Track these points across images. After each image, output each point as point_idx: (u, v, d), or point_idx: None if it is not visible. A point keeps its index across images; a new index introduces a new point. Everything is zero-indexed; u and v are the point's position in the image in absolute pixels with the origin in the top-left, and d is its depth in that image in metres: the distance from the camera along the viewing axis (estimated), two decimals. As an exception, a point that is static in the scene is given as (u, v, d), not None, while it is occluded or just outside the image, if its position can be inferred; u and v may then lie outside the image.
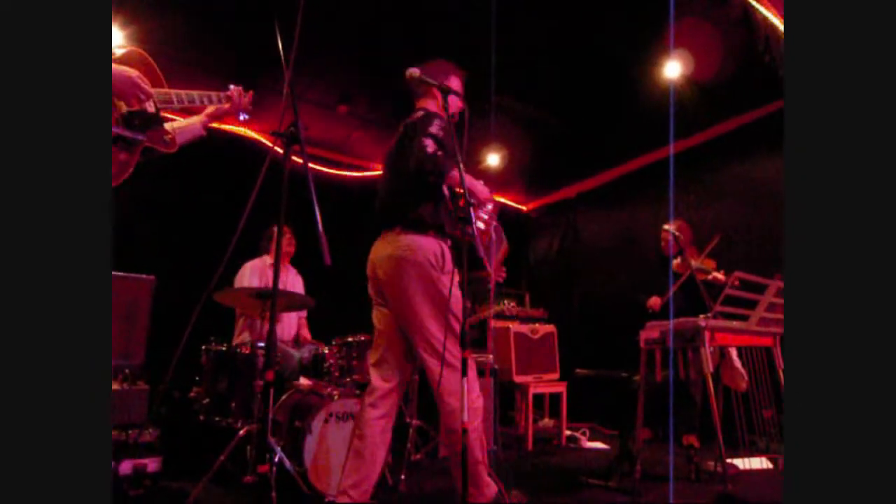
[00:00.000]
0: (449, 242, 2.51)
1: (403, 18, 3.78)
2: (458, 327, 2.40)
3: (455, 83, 2.70)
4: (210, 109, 2.19)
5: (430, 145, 2.33)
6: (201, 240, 3.26)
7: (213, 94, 2.13)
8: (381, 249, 2.48)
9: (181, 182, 4.37)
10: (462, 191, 2.51)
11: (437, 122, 2.44)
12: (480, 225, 2.57)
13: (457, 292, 2.43)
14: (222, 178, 4.21)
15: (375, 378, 2.49)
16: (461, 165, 2.18)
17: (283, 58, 1.61)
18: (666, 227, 4.59)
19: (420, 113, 2.58)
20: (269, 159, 1.64)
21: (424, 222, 2.41)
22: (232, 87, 2.19)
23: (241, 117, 2.26)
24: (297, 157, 1.62)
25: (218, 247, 2.05)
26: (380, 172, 3.39)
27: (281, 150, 1.61)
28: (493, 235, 2.71)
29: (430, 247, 2.40)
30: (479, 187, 2.54)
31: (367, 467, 2.38)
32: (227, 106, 2.17)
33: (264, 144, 4.93)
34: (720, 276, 4.22)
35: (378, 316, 2.57)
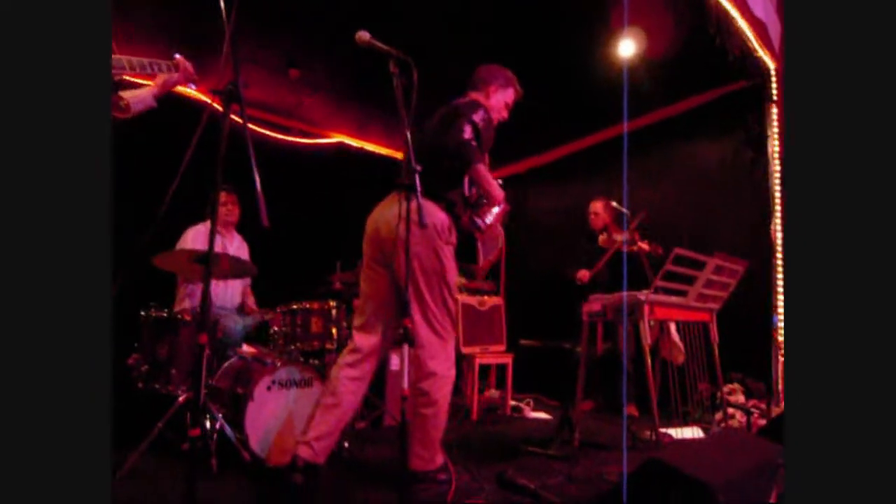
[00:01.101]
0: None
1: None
2: (451, 302, 2.50)
3: (509, 95, 2.82)
4: (160, 80, 2.22)
5: (467, 131, 2.43)
6: (140, 203, 3.14)
7: (163, 63, 2.16)
8: (389, 209, 2.49)
9: (121, 143, 4.18)
10: (476, 186, 2.61)
11: (481, 112, 2.54)
12: (488, 219, 2.64)
13: (455, 266, 2.52)
14: (163, 139, 4.05)
15: (359, 340, 2.52)
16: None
17: (223, 12, 1.55)
18: (613, 204, 4.70)
19: (468, 99, 2.66)
20: (207, 118, 1.58)
21: (439, 194, 2.47)
22: (177, 56, 2.22)
23: (191, 87, 2.32)
24: (238, 116, 1.57)
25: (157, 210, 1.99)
26: (331, 140, 3.36)
27: (220, 108, 1.56)
28: (495, 235, 2.77)
29: (440, 216, 2.46)
30: (496, 187, 2.60)
31: (332, 424, 2.42)
32: (176, 75, 2.21)
33: (206, 104, 4.75)
34: (644, 245, 4.36)
35: (367, 279, 2.59)
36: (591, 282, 4.60)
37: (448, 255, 2.49)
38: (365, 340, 2.51)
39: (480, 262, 2.80)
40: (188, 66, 2.22)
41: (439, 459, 2.47)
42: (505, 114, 2.83)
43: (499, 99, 2.78)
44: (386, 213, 2.50)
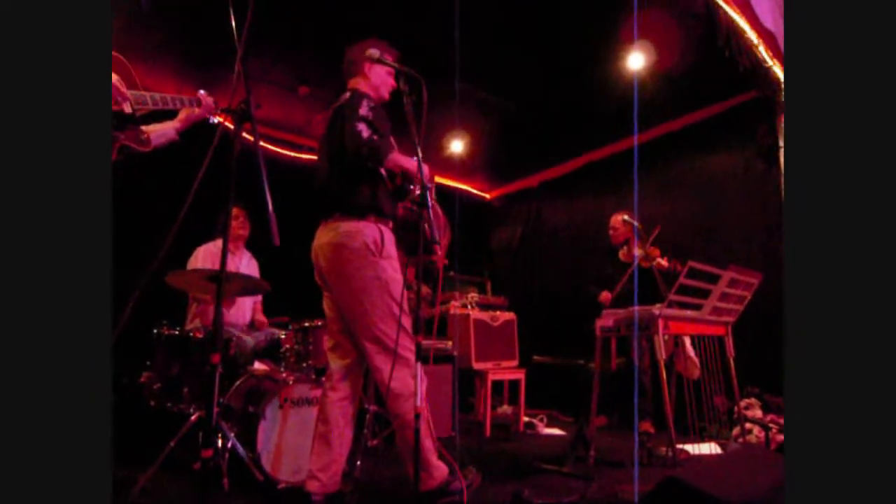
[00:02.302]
0: (390, 225, 2.49)
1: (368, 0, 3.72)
2: (398, 312, 2.39)
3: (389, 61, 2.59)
4: (182, 115, 2.32)
5: (364, 130, 2.28)
6: (152, 221, 3.16)
7: (186, 98, 2.26)
8: (322, 237, 2.46)
9: (133, 162, 4.23)
10: (399, 172, 2.47)
11: (365, 102, 2.38)
12: (428, 202, 2.53)
13: (398, 276, 2.43)
14: (175, 158, 4.09)
15: (333, 362, 2.51)
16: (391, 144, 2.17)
17: (234, 32, 1.56)
18: (625, 217, 4.67)
19: (347, 94, 2.52)
20: (219, 137, 1.59)
21: (362, 207, 2.39)
22: (201, 91, 2.33)
23: (213, 121, 2.38)
24: (250, 135, 1.57)
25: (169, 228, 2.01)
26: None
27: (232, 127, 1.57)
28: (437, 214, 2.67)
29: (369, 232, 2.38)
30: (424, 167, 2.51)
31: (333, 451, 2.40)
32: (198, 111, 2.31)
33: (219, 122, 4.80)
34: (664, 262, 4.31)
35: (328, 302, 2.57)
36: (614, 302, 4.55)
37: (386, 268, 2.38)
38: (339, 362, 2.50)
39: (440, 252, 2.69)
40: (210, 100, 2.31)
41: (441, 472, 2.40)
42: (391, 81, 2.64)
43: (378, 72, 2.62)
44: (320, 241, 2.46)
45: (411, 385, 2.37)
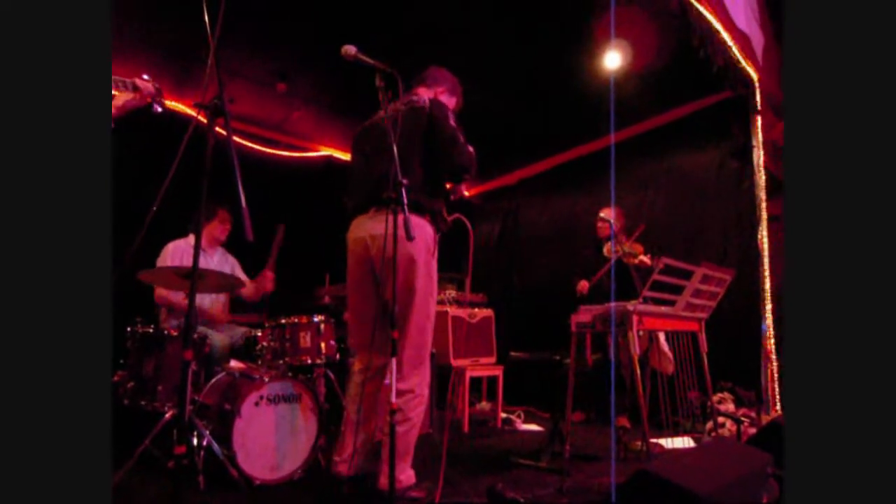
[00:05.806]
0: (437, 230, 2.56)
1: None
2: (433, 318, 2.53)
3: (452, 103, 2.74)
4: (119, 101, 2.02)
5: (467, 144, 2.44)
6: (122, 217, 3.12)
7: (127, 81, 2.01)
8: (377, 227, 2.40)
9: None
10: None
11: (450, 114, 2.50)
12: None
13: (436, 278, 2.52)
14: (147, 152, 4.01)
15: (366, 359, 2.57)
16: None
17: (208, 26, 1.54)
18: (601, 215, 4.71)
19: (424, 98, 2.55)
20: (192, 132, 1.58)
21: (423, 206, 2.43)
22: (144, 76, 2.08)
23: (157, 110, 2.11)
24: (223, 129, 1.56)
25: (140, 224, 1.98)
26: (319, 154, 3.26)
27: (205, 122, 1.56)
28: None
29: (428, 230, 2.44)
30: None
31: (364, 438, 2.55)
32: (136, 96, 2.02)
33: (192, 117, 4.73)
34: (647, 259, 4.36)
35: (361, 298, 2.57)
36: (591, 292, 4.58)
37: (435, 268, 2.49)
38: (371, 358, 2.54)
39: None
40: (150, 86, 2.05)
41: (407, 477, 2.44)
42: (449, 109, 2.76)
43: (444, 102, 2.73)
44: (372, 230, 2.45)
45: (424, 388, 2.47)
